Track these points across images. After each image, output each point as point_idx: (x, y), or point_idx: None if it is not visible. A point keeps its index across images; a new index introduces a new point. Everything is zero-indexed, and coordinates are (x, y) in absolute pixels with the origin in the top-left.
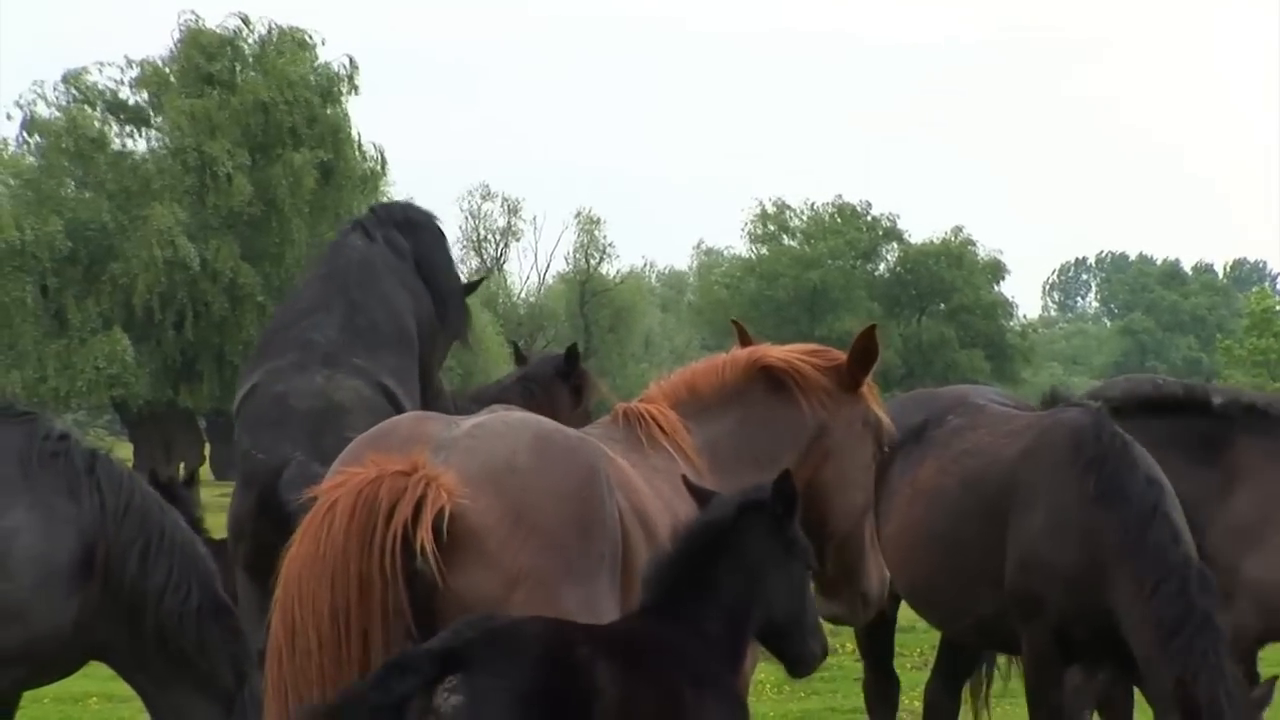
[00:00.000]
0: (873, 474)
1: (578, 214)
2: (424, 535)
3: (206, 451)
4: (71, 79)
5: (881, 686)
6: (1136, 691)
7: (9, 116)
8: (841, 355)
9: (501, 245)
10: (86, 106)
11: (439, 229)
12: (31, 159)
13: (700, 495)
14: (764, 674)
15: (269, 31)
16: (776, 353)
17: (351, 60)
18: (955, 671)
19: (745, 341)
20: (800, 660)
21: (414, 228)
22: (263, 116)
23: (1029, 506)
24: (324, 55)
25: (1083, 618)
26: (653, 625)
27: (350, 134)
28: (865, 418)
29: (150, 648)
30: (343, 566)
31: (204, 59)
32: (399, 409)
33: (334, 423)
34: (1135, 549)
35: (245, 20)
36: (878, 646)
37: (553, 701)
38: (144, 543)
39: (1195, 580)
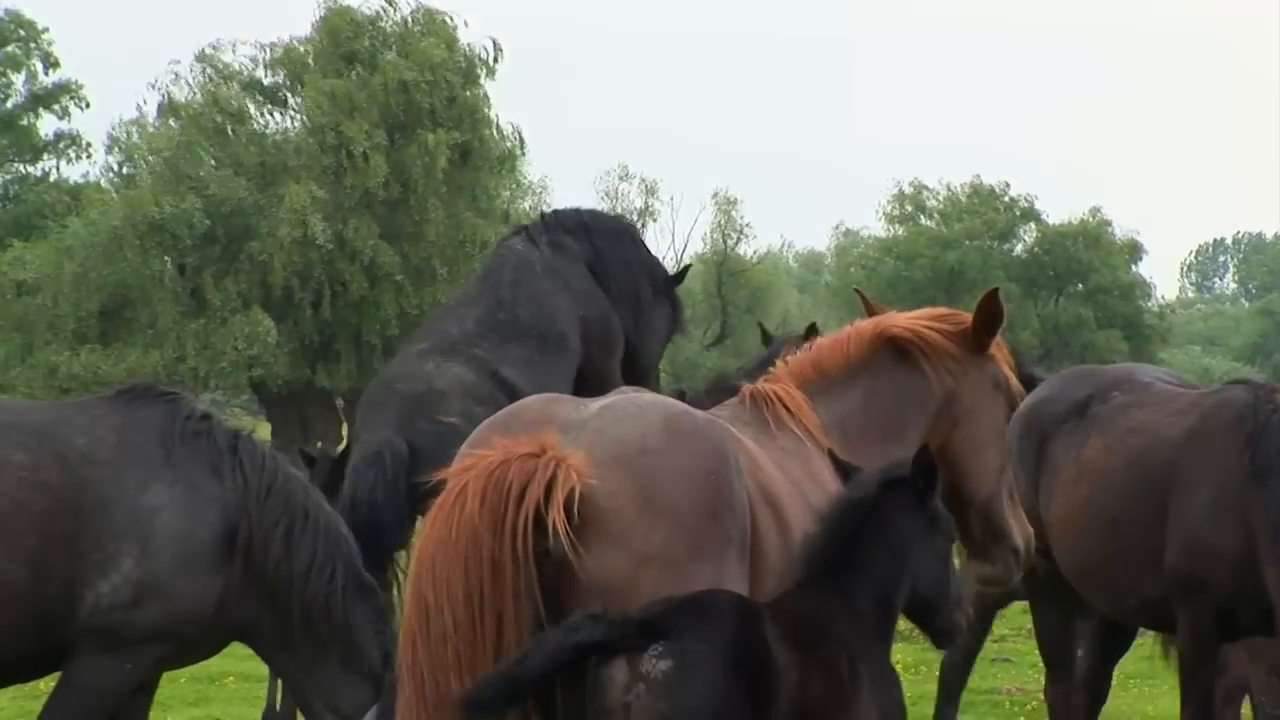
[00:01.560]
0: (1005, 434)
1: (715, 194)
2: (555, 516)
3: (344, 431)
4: (207, 58)
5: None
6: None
7: (143, 102)
8: (968, 318)
9: (640, 225)
10: (222, 84)
11: (621, 229)
12: (170, 136)
13: (844, 471)
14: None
15: (412, 12)
16: (901, 321)
17: (495, 43)
18: (1110, 652)
19: (871, 311)
20: (946, 631)
21: (588, 231)
22: (403, 97)
23: (1191, 486)
24: (466, 37)
25: (1245, 598)
26: (814, 604)
27: (488, 115)
28: (995, 379)
29: (296, 628)
30: (475, 550)
31: (346, 38)
32: (514, 398)
33: (428, 407)
34: (1276, 530)
35: (389, 0)
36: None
37: (750, 672)
38: (288, 523)
39: None
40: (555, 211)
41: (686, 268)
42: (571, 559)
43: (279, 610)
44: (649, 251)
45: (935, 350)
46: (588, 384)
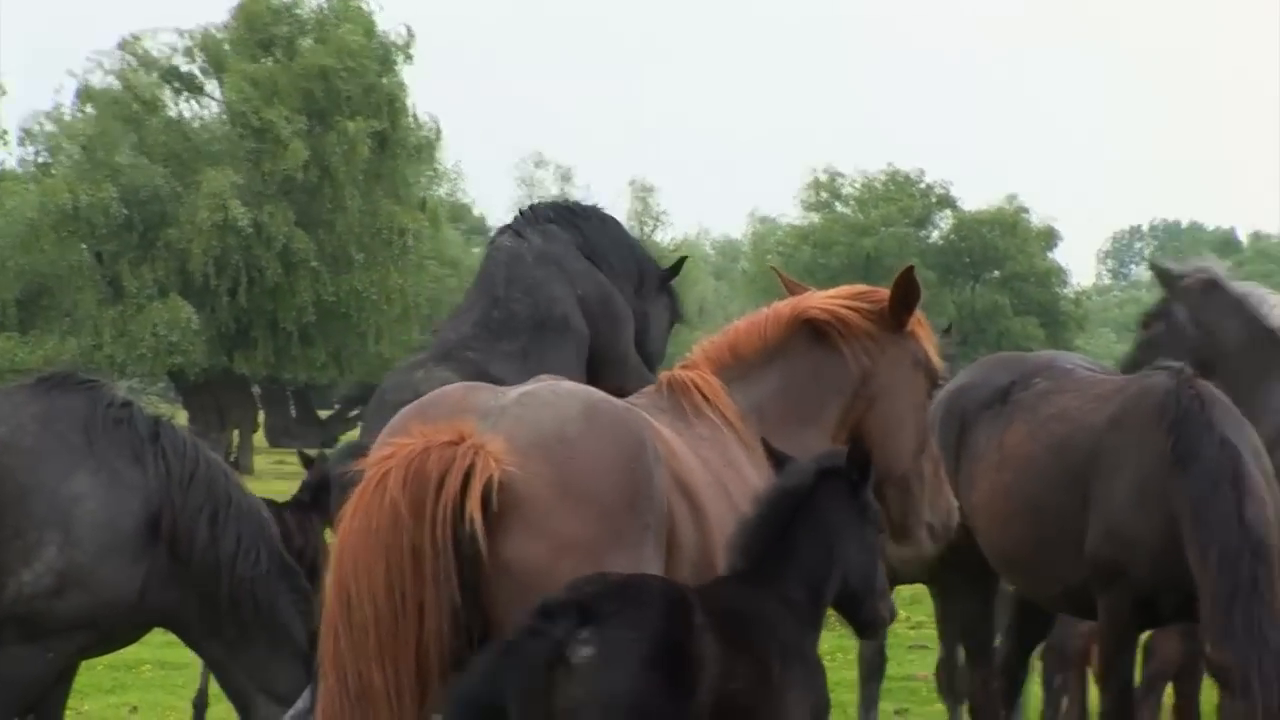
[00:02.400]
0: (925, 410)
1: (631, 181)
2: (472, 505)
3: (260, 419)
4: (127, 45)
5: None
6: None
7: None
8: (887, 294)
9: None
10: (139, 72)
11: (605, 214)
12: (84, 124)
13: (777, 459)
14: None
15: (327, 0)
16: (818, 301)
17: (409, 29)
18: (1027, 638)
19: (790, 291)
20: (871, 624)
21: (573, 216)
22: (322, 83)
23: (1113, 473)
24: (382, 23)
25: (1166, 586)
26: (745, 594)
27: (405, 103)
28: (915, 356)
29: (224, 613)
30: (396, 539)
31: (264, 24)
32: None
33: None
34: (1200, 515)
35: None
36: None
37: (674, 661)
38: (212, 509)
39: (1249, 551)
40: (533, 205)
41: (684, 258)
42: (484, 548)
43: (206, 595)
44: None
45: (852, 330)
46: (602, 365)
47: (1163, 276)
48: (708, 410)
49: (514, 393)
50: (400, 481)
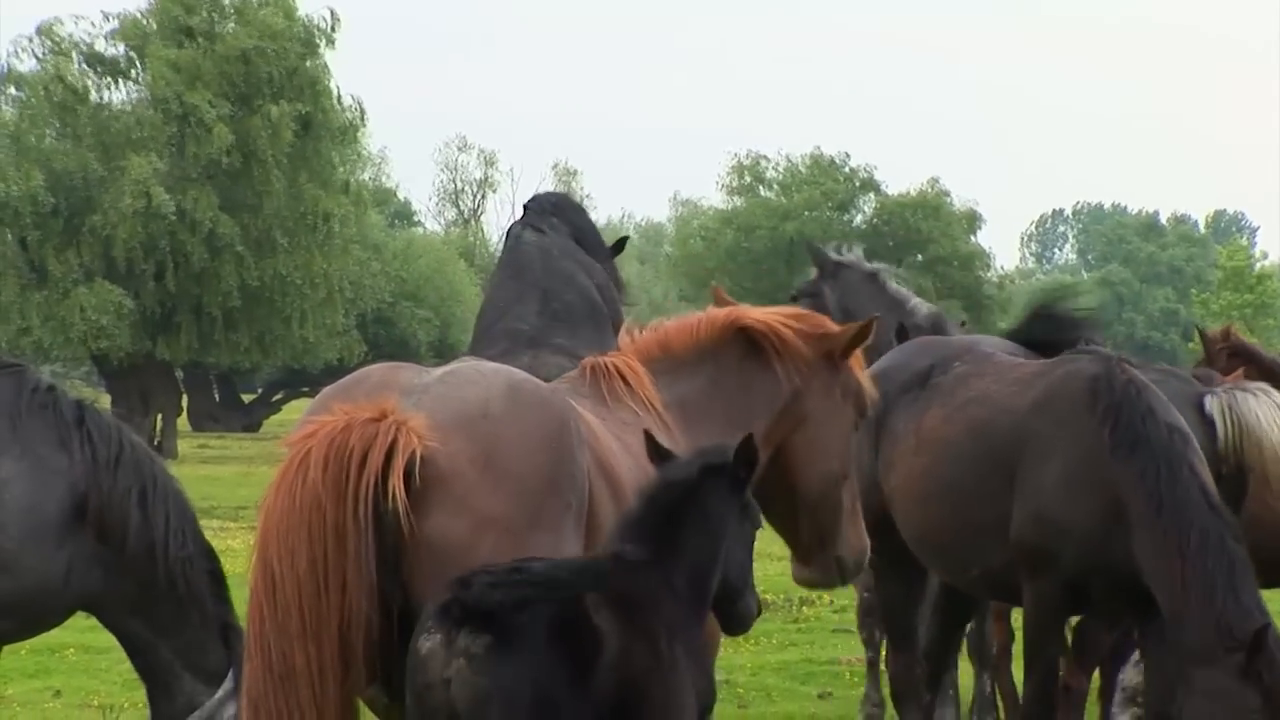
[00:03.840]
0: (850, 441)
1: (554, 165)
2: (395, 481)
3: (184, 403)
4: (46, 30)
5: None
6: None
7: None
8: (826, 322)
9: (479, 197)
10: (63, 58)
11: (578, 203)
12: (9, 111)
13: (659, 454)
14: None
15: None
16: (755, 314)
17: (333, 13)
18: (952, 622)
19: (723, 304)
20: (741, 618)
21: (564, 209)
22: (244, 67)
23: (1041, 459)
24: (304, 6)
25: (1099, 571)
26: (633, 578)
27: (329, 86)
28: (846, 386)
29: (159, 595)
30: (319, 517)
31: (183, 10)
32: None
33: None
34: (1159, 501)
35: None
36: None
37: (570, 643)
38: (140, 491)
39: (1229, 531)
40: (533, 198)
41: (625, 238)
42: (405, 525)
43: (144, 578)
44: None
45: (787, 348)
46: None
47: (817, 257)
48: (628, 397)
49: (438, 371)
50: (322, 459)
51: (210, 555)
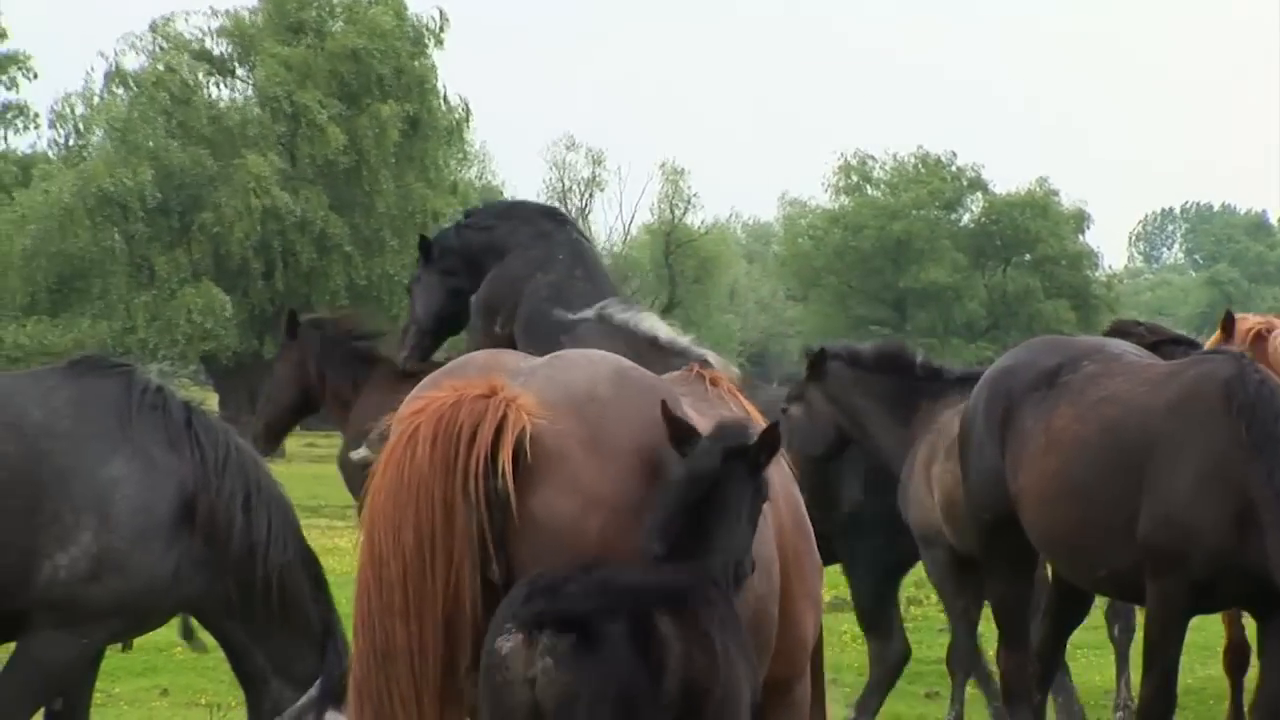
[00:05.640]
0: None
1: (662, 165)
2: (504, 457)
3: None
4: (158, 27)
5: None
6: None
7: (90, 71)
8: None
9: (586, 196)
10: (174, 55)
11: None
12: (119, 107)
13: (680, 433)
14: (847, 625)
15: None
16: None
17: (442, 13)
18: (1065, 622)
19: None
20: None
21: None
22: (353, 66)
23: (1173, 459)
24: (413, 5)
25: (1228, 572)
26: (680, 577)
27: (436, 86)
28: None
29: (257, 598)
30: (426, 493)
31: (294, 7)
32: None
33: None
34: None
35: None
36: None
37: (645, 644)
38: (244, 495)
39: None
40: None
41: (422, 237)
42: (514, 501)
43: (244, 580)
44: None
45: None
46: None
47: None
48: (731, 401)
49: (544, 358)
50: (430, 435)
51: (312, 561)
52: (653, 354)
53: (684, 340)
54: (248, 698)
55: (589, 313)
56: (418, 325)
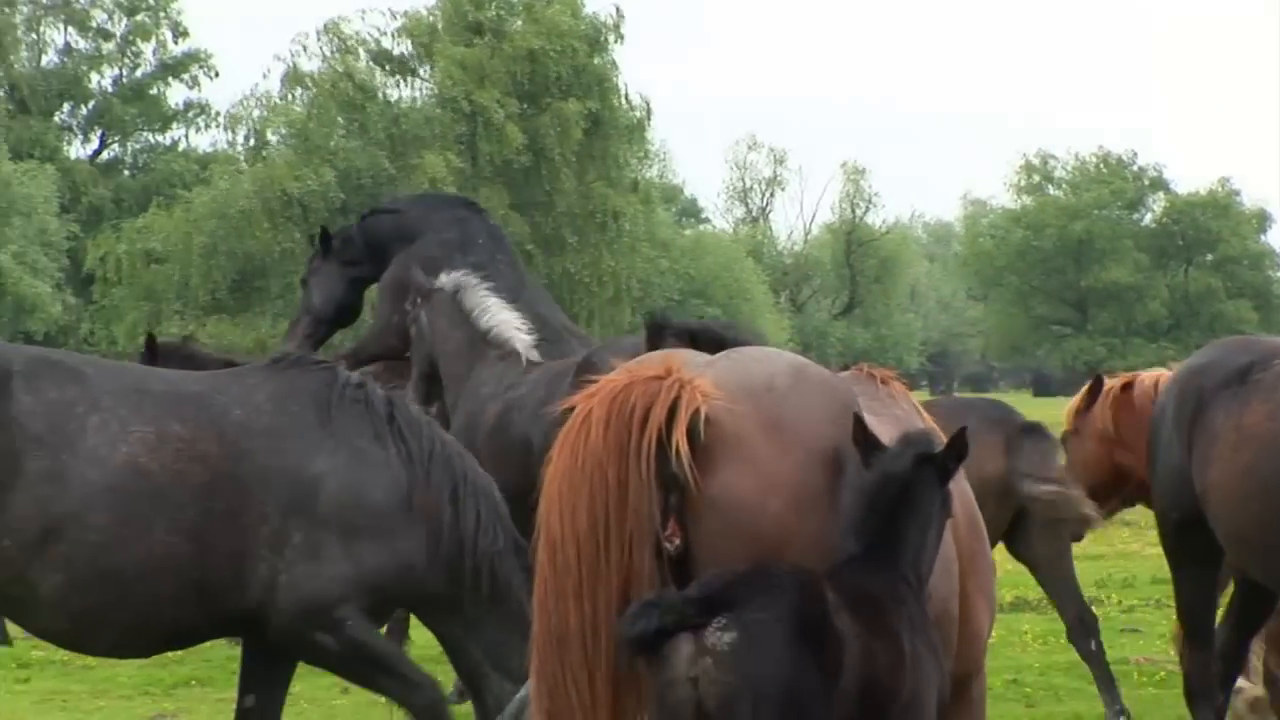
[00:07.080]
0: None
1: (843, 164)
2: (679, 436)
3: None
4: (332, 28)
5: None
6: None
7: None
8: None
9: (767, 195)
10: (350, 55)
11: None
12: (298, 108)
13: (867, 442)
14: (1028, 625)
15: None
16: None
17: (618, 9)
18: (1248, 624)
19: None
20: None
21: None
22: (530, 65)
23: None
24: (590, 4)
25: None
26: (869, 576)
27: (616, 84)
28: None
29: (467, 591)
30: (600, 474)
31: (472, 7)
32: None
33: None
34: None
35: None
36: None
37: (815, 641)
38: (452, 487)
39: None
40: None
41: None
42: (690, 482)
43: (454, 573)
44: None
45: None
46: None
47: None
48: (902, 400)
49: (722, 352)
50: (604, 416)
51: (523, 550)
52: (484, 345)
53: (523, 337)
54: (471, 696)
55: (445, 280)
56: (313, 315)
